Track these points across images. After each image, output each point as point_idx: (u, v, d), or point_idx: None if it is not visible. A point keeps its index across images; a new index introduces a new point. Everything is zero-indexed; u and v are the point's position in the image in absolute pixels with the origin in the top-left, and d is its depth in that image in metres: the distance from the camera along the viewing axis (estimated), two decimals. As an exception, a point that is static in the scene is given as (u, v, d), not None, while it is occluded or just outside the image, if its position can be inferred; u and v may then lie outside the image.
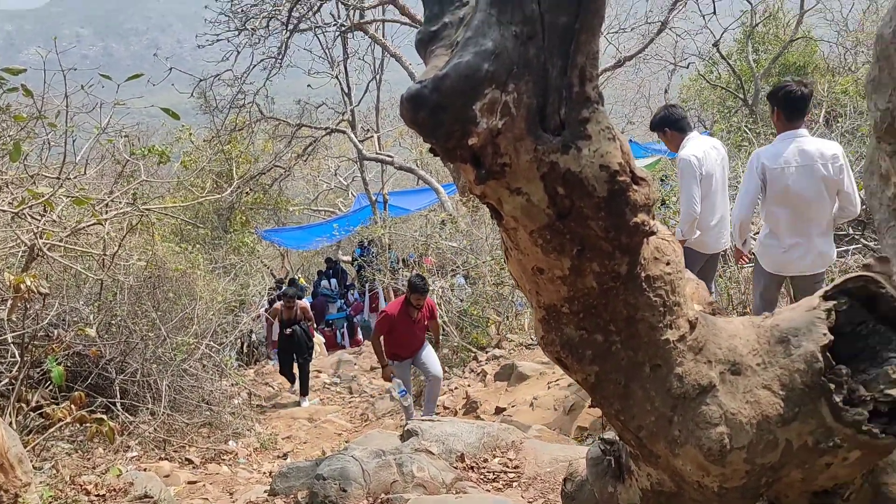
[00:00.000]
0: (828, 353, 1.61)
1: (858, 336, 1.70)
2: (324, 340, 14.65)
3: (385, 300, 13.87)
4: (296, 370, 10.58)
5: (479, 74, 1.36)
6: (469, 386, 8.55)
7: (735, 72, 17.38)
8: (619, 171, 1.45)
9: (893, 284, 1.68)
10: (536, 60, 1.41)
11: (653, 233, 1.52)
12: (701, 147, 5.24)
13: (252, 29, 13.44)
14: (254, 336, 14.24)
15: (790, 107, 4.56)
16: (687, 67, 19.46)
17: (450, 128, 1.39)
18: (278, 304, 11.21)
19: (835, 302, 1.67)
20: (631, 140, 17.61)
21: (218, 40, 13.88)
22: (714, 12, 14.73)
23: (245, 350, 13.86)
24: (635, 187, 1.48)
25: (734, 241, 5.15)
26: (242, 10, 13.76)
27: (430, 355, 7.45)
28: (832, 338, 1.61)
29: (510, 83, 1.39)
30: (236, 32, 13.81)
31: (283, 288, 13.54)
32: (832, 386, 1.60)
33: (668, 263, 1.63)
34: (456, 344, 10.20)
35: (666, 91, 22.77)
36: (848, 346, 1.71)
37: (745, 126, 12.65)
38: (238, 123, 16.40)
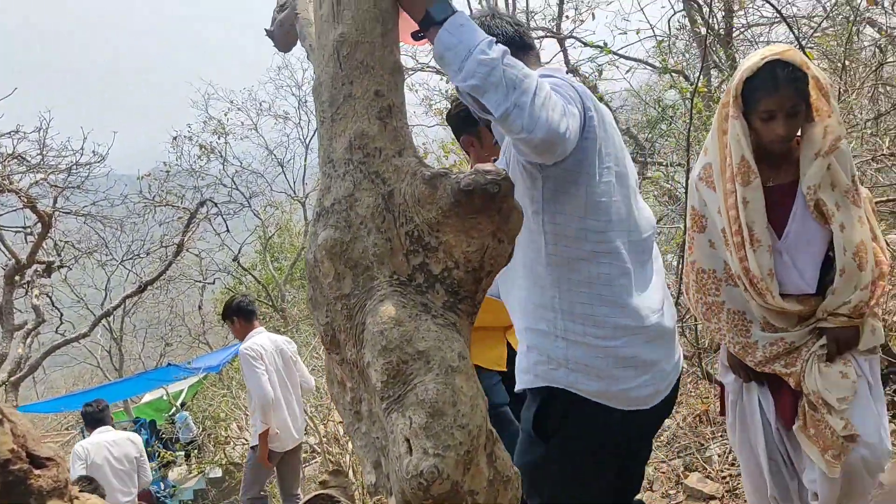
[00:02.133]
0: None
1: (330, 554, 1.71)
2: None
3: None
4: None
5: None
6: None
7: (259, 281, 18.39)
8: (12, 458, 1.25)
9: (348, 495, 1.75)
10: None
11: (71, 518, 1.33)
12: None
13: None
14: None
15: (245, 313, 5.65)
16: (213, 283, 19.96)
17: None
18: None
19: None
20: (169, 363, 16.93)
21: None
22: (227, 230, 15.56)
23: None
24: (38, 472, 1.29)
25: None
26: None
27: None
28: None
29: None
30: None
31: None
32: None
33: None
34: None
35: (200, 308, 22.90)
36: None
37: (281, 329, 13.53)
38: None
